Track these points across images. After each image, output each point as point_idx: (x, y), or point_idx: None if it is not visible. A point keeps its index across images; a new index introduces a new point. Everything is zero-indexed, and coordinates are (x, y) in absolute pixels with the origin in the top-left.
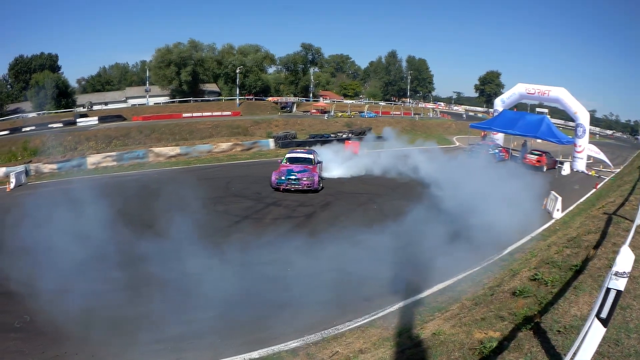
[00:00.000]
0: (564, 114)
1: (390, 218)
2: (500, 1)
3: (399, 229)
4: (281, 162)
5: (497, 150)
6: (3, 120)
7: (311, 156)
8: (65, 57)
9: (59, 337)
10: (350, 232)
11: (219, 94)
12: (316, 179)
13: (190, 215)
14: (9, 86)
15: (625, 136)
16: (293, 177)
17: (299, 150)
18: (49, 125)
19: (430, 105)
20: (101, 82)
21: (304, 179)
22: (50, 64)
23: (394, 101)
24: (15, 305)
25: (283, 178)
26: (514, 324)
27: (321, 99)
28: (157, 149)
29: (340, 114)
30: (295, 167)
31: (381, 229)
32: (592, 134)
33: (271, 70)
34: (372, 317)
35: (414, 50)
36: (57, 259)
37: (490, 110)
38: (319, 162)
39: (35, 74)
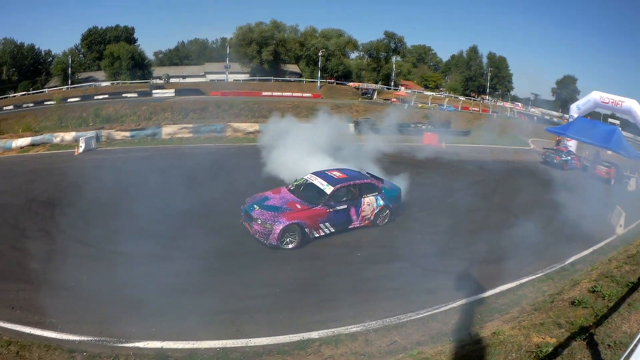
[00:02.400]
0: (635, 128)
1: (460, 216)
2: (583, 6)
3: (464, 228)
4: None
5: (569, 157)
6: (75, 87)
7: (328, 189)
8: (142, 31)
9: (110, 300)
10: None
11: (300, 76)
12: (277, 230)
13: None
14: (81, 55)
15: None
16: (253, 211)
17: (334, 172)
18: (123, 95)
19: (508, 105)
20: (179, 56)
21: (259, 222)
22: (126, 36)
23: (474, 97)
24: (74, 265)
25: (245, 207)
26: (569, 332)
27: (402, 88)
28: (235, 125)
29: (420, 105)
30: (278, 199)
31: (451, 222)
32: None
33: (353, 55)
34: (434, 311)
35: (495, 47)
36: (120, 220)
37: (565, 115)
38: (354, 200)
39: (110, 45)
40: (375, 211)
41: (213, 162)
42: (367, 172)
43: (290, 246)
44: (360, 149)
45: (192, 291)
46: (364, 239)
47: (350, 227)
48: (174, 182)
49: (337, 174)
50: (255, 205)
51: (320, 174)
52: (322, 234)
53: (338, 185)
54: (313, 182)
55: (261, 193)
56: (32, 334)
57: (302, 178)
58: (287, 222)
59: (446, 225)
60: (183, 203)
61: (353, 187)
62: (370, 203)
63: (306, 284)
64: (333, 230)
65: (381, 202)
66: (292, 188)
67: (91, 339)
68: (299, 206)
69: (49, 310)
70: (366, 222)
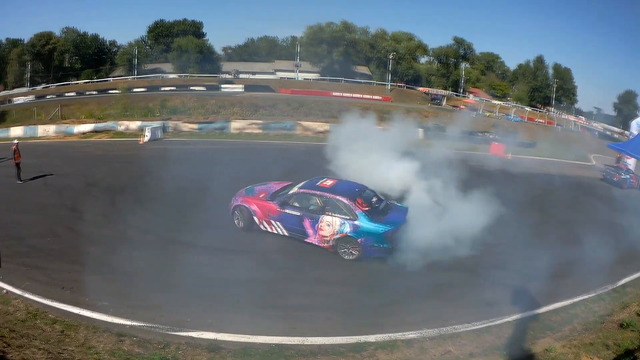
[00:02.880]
0: None
1: (521, 229)
2: None
3: (524, 242)
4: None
5: (628, 176)
6: (141, 78)
7: (292, 189)
8: (210, 26)
9: (167, 288)
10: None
11: (370, 78)
12: (232, 205)
13: None
14: (147, 47)
15: None
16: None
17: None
18: (190, 88)
19: (572, 118)
20: (248, 53)
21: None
22: (193, 30)
23: (539, 108)
24: (133, 251)
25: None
26: (616, 354)
27: (470, 95)
28: (305, 123)
29: (487, 114)
30: (265, 186)
31: (512, 235)
32: None
33: (423, 60)
34: (490, 324)
35: (560, 58)
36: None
37: (626, 132)
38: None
39: (178, 38)
40: (335, 237)
41: (282, 159)
42: (369, 191)
43: (237, 224)
44: (427, 155)
45: (251, 285)
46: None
47: (306, 240)
48: (241, 176)
49: (328, 182)
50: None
51: (316, 179)
52: (273, 230)
53: (302, 190)
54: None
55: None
56: (80, 315)
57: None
58: (239, 203)
59: (509, 237)
60: None
61: (318, 197)
62: (330, 224)
63: (367, 286)
64: (286, 233)
65: (346, 230)
66: (289, 184)
67: (143, 324)
68: (262, 195)
69: (102, 293)
70: (325, 244)
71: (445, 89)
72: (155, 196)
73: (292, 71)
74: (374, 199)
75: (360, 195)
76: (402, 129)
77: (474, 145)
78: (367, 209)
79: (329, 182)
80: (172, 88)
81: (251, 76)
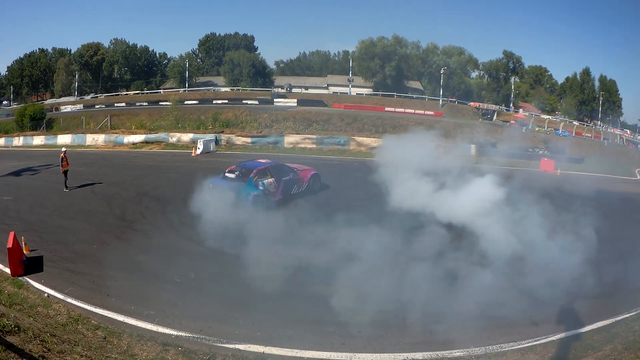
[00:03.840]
0: None
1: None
2: None
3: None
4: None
5: None
6: (192, 90)
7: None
8: (262, 40)
9: (217, 299)
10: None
11: (422, 92)
12: None
13: None
14: (199, 60)
15: None
16: None
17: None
18: (243, 101)
19: (617, 132)
20: (301, 67)
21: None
22: (245, 44)
23: (587, 122)
24: (183, 261)
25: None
26: None
27: (521, 110)
28: (359, 139)
29: (537, 129)
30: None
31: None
32: None
33: (473, 74)
34: (534, 343)
35: (606, 70)
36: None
37: None
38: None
39: (230, 52)
40: None
41: (336, 173)
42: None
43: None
44: (477, 171)
45: (301, 298)
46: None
47: None
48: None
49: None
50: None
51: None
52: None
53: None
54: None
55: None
56: (124, 323)
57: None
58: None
59: (555, 256)
60: (301, 212)
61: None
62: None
63: (415, 303)
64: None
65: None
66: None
67: (189, 335)
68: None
69: (149, 302)
70: None
71: (496, 103)
72: (207, 207)
73: (345, 86)
74: (272, 170)
75: (259, 170)
76: (453, 146)
77: (524, 162)
78: (255, 177)
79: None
80: (225, 101)
81: (304, 90)
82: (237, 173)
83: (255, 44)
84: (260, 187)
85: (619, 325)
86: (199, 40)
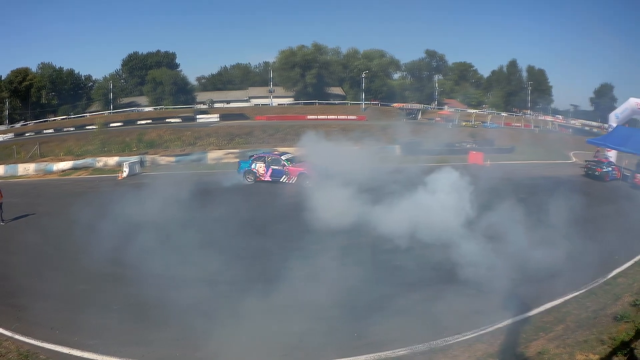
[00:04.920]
0: None
1: (507, 234)
2: (617, 13)
3: (512, 246)
4: (286, 165)
5: (610, 168)
6: (117, 112)
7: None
8: (184, 56)
9: (154, 323)
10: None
11: (344, 98)
12: None
13: None
14: (122, 81)
15: None
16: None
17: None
18: (166, 120)
19: (549, 118)
20: (222, 81)
21: None
22: (167, 61)
23: (515, 112)
24: (120, 288)
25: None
26: (611, 348)
27: (446, 106)
28: (282, 149)
29: (463, 123)
30: (307, 163)
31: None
32: None
33: (396, 76)
34: (481, 332)
35: (533, 60)
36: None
37: (605, 125)
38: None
39: (152, 70)
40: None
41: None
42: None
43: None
44: (404, 170)
45: (241, 317)
46: (408, 261)
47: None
48: (221, 209)
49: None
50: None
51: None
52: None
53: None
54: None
55: (306, 166)
56: (70, 355)
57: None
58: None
59: (492, 243)
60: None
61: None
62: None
63: (354, 306)
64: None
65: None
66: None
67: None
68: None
69: (91, 331)
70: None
71: (420, 102)
72: (137, 230)
73: (266, 97)
74: (268, 159)
75: (260, 157)
76: (377, 148)
77: (452, 157)
78: (253, 160)
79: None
80: (149, 121)
81: (226, 105)
82: (251, 156)
83: (177, 60)
84: (252, 167)
85: (570, 303)
86: (122, 60)
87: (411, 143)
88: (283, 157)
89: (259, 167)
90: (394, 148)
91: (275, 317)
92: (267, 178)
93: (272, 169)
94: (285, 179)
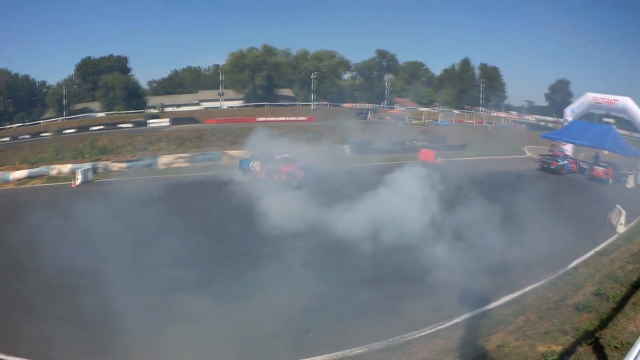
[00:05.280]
0: (631, 125)
1: (461, 229)
2: (571, 9)
3: (467, 242)
4: (278, 164)
5: (566, 162)
6: (70, 119)
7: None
8: (136, 60)
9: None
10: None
11: (294, 100)
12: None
13: None
14: (75, 86)
15: None
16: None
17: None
18: (119, 125)
19: (502, 114)
20: (173, 85)
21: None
22: (119, 66)
23: (468, 109)
24: (79, 297)
25: (310, 173)
26: (575, 338)
27: (396, 106)
28: (231, 152)
29: (415, 122)
30: (301, 163)
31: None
32: None
33: (346, 76)
34: (438, 328)
35: (487, 58)
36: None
37: (560, 119)
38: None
39: (104, 75)
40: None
41: (205, 189)
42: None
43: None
44: (354, 170)
45: (185, 321)
46: (362, 261)
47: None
48: (167, 218)
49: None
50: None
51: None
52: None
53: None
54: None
55: (296, 166)
56: None
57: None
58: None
59: (450, 240)
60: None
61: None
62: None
63: (309, 308)
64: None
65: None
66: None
67: None
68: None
69: (53, 343)
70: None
71: (370, 102)
72: (92, 241)
73: (217, 100)
74: (265, 158)
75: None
76: (326, 148)
77: (402, 155)
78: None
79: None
80: (101, 127)
81: (176, 109)
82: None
83: (129, 65)
84: (250, 165)
85: (530, 295)
86: (76, 65)
87: (361, 143)
88: (277, 157)
89: (256, 165)
90: (344, 148)
91: (231, 321)
92: (262, 176)
93: (267, 168)
94: (277, 178)
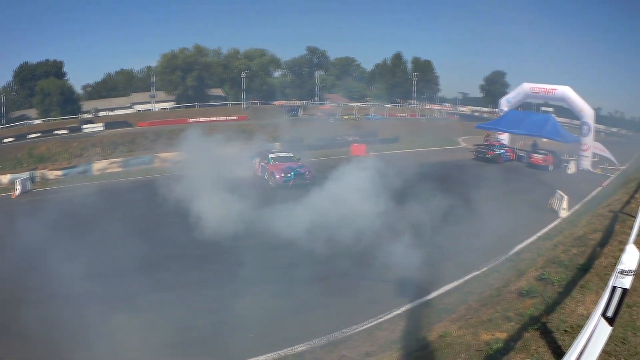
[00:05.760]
0: (570, 113)
1: (399, 221)
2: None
3: (411, 234)
4: (268, 162)
5: (502, 150)
6: (8, 127)
7: (292, 154)
8: (71, 64)
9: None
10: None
11: (225, 99)
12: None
13: None
14: (14, 93)
15: (631, 133)
16: (298, 172)
17: (275, 150)
18: (55, 132)
19: (436, 107)
20: (107, 89)
21: (307, 173)
22: (55, 70)
23: (400, 103)
24: (26, 311)
25: (290, 175)
26: (520, 324)
27: (327, 101)
28: (162, 155)
29: (346, 117)
30: (291, 164)
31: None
32: (598, 132)
33: (277, 74)
34: (379, 320)
35: (420, 52)
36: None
37: (495, 110)
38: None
39: (41, 81)
40: None
41: (144, 192)
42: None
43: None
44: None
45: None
46: (300, 258)
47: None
48: (102, 223)
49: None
50: (296, 170)
51: (274, 151)
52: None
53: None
54: (280, 155)
55: (276, 168)
56: None
57: (270, 158)
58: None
59: (389, 232)
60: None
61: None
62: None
63: (248, 309)
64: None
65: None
66: (275, 162)
67: None
68: (300, 162)
69: None
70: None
71: (301, 99)
72: (33, 251)
73: (149, 102)
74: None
75: (260, 153)
76: (256, 147)
77: (334, 151)
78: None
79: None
80: (38, 134)
81: (110, 113)
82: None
83: (64, 69)
84: (252, 162)
85: (471, 283)
86: (14, 71)
87: (292, 139)
88: (270, 155)
89: (256, 162)
90: (274, 146)
91: (167, 327)
92: (259, 173)
93: (261, 165)
94: (267, 176)
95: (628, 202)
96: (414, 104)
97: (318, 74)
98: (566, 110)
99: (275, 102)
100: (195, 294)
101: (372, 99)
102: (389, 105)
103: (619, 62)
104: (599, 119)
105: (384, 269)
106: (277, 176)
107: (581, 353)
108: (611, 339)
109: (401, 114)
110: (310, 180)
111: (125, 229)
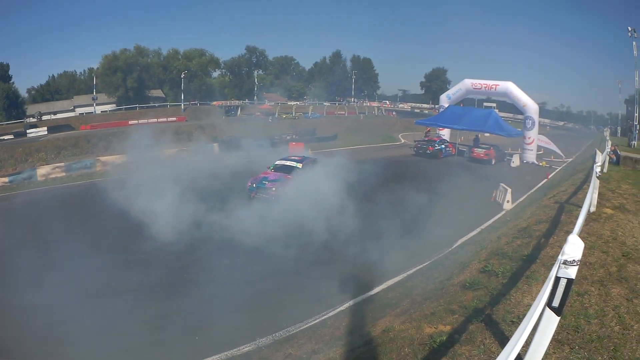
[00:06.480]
0: (515, 108)
1: (339, 218)
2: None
3: (348, 229)
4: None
5: (443, 146)
6: None
7: (299, 165)
8: (16, 66)
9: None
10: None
11: (164, 100)
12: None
13: None
14: None
15: (577, 127)
16: (262, 185)
17: (291, 158)
18: (0, 138)
19: (375, 104)
20: (50, 92)
21: (273, 189)
22: (1, 73)
23: (339, 101)
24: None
25: (253, 186)
26: (464, 317)
27: (266, 101)
28: (104, 158)
29: (284, 116)
30: (275, 176)
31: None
32: (543, 125)
33: (216, 74)
34: (323, 317)
35: (360, 50)
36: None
37: (436, 106)
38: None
39: None
40: None
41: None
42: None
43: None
44: (222, 168)
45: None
46: (241, 259)
47: None
48: (48, 230)
49: (295, 157)
50: (264, 182)
51: (284, 159)
52: None
53: (305, 162)
54: (284, 164)
55: (258, 176)
56: None
57: (273, 164)
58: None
59: (328, 228)
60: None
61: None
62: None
63: (189, 309)
64: None
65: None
66: (272, 170)
67: None
68: (288, 176)
69: None
70: None
71: (239, 99)
72: None
73: (91, 105)
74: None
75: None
76: (195, 148)
77: (272, 150)
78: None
79: (297, 157)
80: None
81: (53, 116)
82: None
83: (10, 72)
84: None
85: (415, 277)
86: None
87: (230, 140)
88: (277, 161)
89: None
90: (213, 147)
91: (110, 335)
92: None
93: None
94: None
95: (575, 193)
96: (353, 101)
97: (257, 73)
98: (510, 105)
99: (214, 103)
100: (136, 300)
101: (311, 97)
102: (327, 104)
103: (564, 58)
104: (544, 113)
105: (326, 268)
106: (248, 184)
107: (529, 343)
108: (563, 327)
109: (340, 112)
110: (272, 196)
111: (69, 236)
